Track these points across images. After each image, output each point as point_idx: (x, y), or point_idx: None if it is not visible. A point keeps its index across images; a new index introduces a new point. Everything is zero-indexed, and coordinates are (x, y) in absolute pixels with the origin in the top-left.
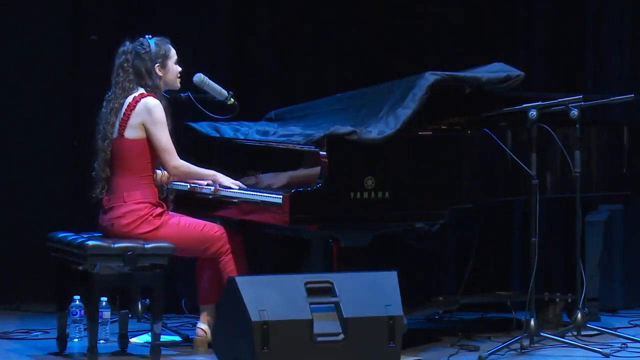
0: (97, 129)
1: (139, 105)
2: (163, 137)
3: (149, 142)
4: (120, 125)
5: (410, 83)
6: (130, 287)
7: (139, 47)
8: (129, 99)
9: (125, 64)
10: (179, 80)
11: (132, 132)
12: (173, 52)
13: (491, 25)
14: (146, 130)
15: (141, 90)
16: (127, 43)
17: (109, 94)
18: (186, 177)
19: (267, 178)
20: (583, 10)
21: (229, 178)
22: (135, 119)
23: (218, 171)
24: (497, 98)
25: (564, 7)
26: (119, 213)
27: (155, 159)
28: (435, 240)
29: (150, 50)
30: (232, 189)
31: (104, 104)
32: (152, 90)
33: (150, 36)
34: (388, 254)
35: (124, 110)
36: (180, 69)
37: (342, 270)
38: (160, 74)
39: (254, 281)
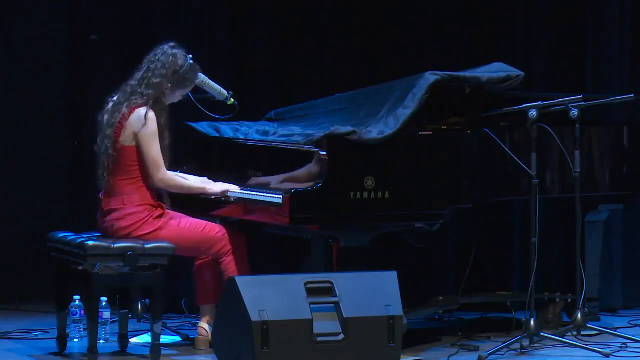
0: (97, 130)
1: (133, 116)
2: (152, 150)
3: (138, 152)
4: (115, 133)
5: (410, 83)
6: (130, 287)
7: (171, 60)
8: (125, 108)
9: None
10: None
11: (126, 140)
12: (193, 85)
13: (491, 25)
14: (136, 141)
15: (137, 100)
16: (166, 48)
17: (114, 95)
18: (172, 189)
19: (268, 179)
20: (583, 10)
21: (219, 184)
22: (129, 129)
23: (209, 178)
24: (497, 98)
25: (564, 7)
26: (119, 215)
27: None
28: (435, 240)
29: (183, 70)
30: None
31: (109, 104)
32: (150, 101)
33: (191, 56)
34: (388, 254)
35: (119, 118)
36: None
37: (342, 270)
38: (166, 90)
39: (254, 281)
